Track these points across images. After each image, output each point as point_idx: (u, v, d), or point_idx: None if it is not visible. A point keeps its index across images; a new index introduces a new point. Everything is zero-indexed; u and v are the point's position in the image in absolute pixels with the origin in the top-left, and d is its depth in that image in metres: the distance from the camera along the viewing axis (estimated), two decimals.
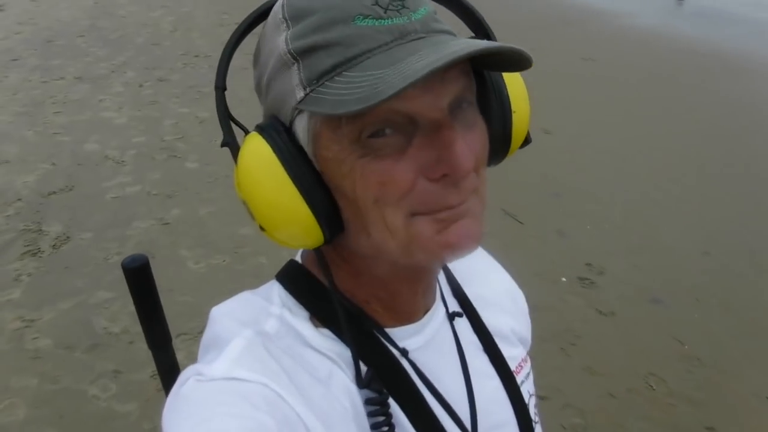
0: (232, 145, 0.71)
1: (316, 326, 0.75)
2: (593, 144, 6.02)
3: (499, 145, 0.75)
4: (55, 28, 8.83)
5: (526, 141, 0.79)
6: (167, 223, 4.35)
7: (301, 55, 0.63)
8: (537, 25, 9.75)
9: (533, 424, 0.89)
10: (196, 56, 7.79)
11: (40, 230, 4.21)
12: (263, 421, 0.61)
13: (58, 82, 6.87)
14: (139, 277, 1.03)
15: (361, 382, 0.71)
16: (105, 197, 4.66)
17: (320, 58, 0.62)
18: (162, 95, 6.56)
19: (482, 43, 0.58)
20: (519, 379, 0.90)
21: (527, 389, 0.91)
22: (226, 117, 0.71)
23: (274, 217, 0.66)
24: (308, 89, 0.63)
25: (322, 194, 0.66)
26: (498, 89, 0.74)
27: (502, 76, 0.74)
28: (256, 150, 0.66)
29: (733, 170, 5.68)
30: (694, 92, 7.43)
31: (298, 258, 0.82)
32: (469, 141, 0.65)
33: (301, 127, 0.66)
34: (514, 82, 0.75)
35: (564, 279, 4.00)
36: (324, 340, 0.74)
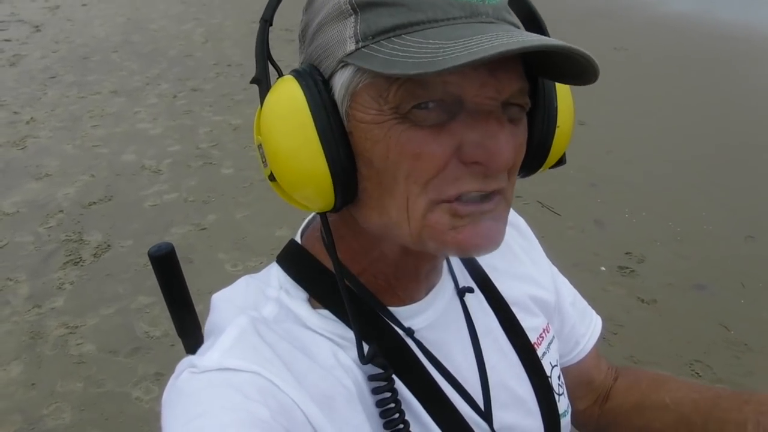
0: (262, 83, 0.68)
1: (315, 307, 0.73)
2: (628, 133, 5.92)
3: (535, 156, 0.72)
4: (90, 44, 9.00)
5: (561, 161, 0.75)
6: (204, 228, 4.39)
7: (362, 7, 0.60)
8: (567, 17, 9.64)
9: (556, 396, 0.86)
10: (228, 65, 7.87)
11: (81, 240, 4.28)
12: (256, 411, 0.60)
13: (94, 97, 6.99)
14: (166, 265, 1.04)
15: (363, 358, 0.69)
16: (143, 205, 4.72)
17: (382, 15, 0.59)
18: (196, 105, 6.64)
19: (558, 41, 0.55)
20: (540, 351, 0.87)
21: (549, 360, 0.88)
22: (263, 52, 0.68)
23: (288, 168, 0.63)
24: (361, 44, 0.60)
25: (345, 156, 0.62)
26: (549, 99, 0.70)
27: (555, 87, 0.71)
28: (288, 93, 0.63)
29: None
30: (732, 78, 7.28)
31: (297, 238, 0.80)
32: (512, 138, 0.62)
33: (341, 82, 0.62)
34: (564, 96, 0.72)
35: (603, 268, 3.94)
36: (323, 321, 0.72)
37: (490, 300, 0.86)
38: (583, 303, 1.06)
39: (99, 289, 3.78)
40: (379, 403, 0.69)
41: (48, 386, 3.06)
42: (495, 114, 0.60)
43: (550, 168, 0.76)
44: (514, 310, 0.87)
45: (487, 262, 0.89)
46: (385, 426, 0.68)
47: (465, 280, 0.85)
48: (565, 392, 0.91)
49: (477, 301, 0.84)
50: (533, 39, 0.53)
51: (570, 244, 4.17)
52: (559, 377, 0.90)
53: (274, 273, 0.77)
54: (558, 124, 0.71)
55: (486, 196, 0.63)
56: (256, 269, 0.79)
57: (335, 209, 0.66)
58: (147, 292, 3.68)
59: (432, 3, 0.58)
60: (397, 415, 0.68)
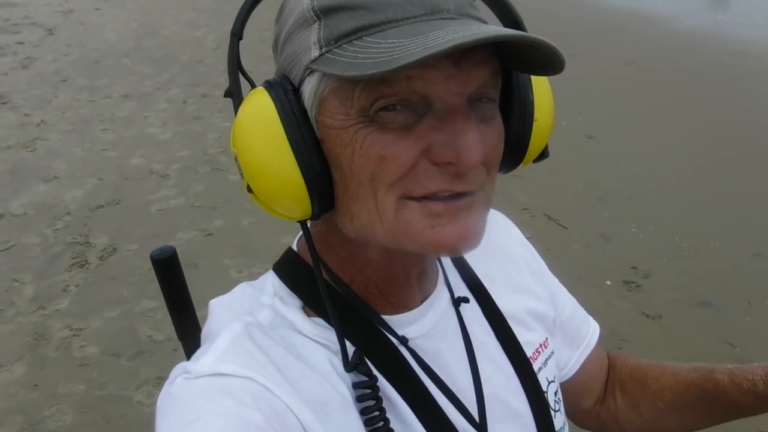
0: (235, 96, 0.68)
1: (309, 315, 0.73)
2: (637, 148, 5.90)
3: (514, 151, 0.71)
4: (102, 48, 9.06)
5: (543, 155, 0.75)
6: (210, 234, 4.40)
7: (324, 13, 0.61)
8: (577, 32, 9.65)
9: (552, 412, 0.85)
10: None
11: (88, 242, 4.29)
12: (249, 417, 0.60)
13: (105, 101, 7.03)
14: (167, 268, 1.04)
15: (347, 365, 0.69)
16: (150, 210, 4.74)
17: (343, 19, 0.60)
18: (205, 110, 6.67)
19: (514, 31, 0.55)
20: (536, 365, 0.86)
21: (546, 375, 0.87)
22: (235, 65, 0.69)
23: (264, 179, 0.63)
24: (324, 49, 0.60)
25: (318, 163, 0.63)
26: (523, 92, 0.70)
27: (530, 81, 0.70)
28: (259, 104, 0.63)
29: None
30: (743, 95, 7.26)
31: (294, 245, 0.80)
32: (482, 135, 0.62)
33: (309, 89, 0.62)
34: (541, 90, 0.71)
35: (609, 282, 3.92)
36: (317, 328, 0.72)
37: (486, 312, 0.85)
38: (581, 311, 1.06)
39: (104, 292, 3.79)
40: (363, 411, 0.68)
41: (50, 388, 3.06)
42: (462, 112, 0.60)
43: (533, 162, 0.75)
44: (511, 323, 0.86)
45: (484, 271, 0.88)
46: None
47: (461, 290, 0.85)
48: (562, 409, 0.90)
49: (472, 312, 0.84)
50: (487, 30, 0.53)
51: (576, 257, 4.16)
52: (555, 393, 0.89)
53: (270, 280, 0.77)
54: (535, 117, 0.70)
55: (459, 194, 0.63)
56: (260, 276, 0.79)
57: (314, 217, 0.67)
58: (151, 296, 3.68)
59: (392, 3, 0.59)
60: (381, 424, 0.68)
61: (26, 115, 6.59)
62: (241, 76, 0.70)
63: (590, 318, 1.07)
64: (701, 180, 5.31)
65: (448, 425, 0.73)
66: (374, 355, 0.72)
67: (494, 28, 0.55)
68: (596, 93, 6.84)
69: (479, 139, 0.60)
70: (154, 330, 3.45)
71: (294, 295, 0.74)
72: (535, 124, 0.71)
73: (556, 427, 0.85)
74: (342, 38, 0.60)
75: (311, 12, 0.62)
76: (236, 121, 0.65)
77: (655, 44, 9.29)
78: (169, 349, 3.28)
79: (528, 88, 0.70)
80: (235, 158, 0.66)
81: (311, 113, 0.63)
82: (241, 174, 0.66)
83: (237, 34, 0.69)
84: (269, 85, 0.64)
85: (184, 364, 0.66)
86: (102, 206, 4.79)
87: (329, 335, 0.71)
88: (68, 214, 4.67)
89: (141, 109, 6.78)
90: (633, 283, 3.94)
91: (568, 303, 1.03)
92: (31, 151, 5.74)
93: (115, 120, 6.47)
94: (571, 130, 5.94)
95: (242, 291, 0.77)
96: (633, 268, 4.09)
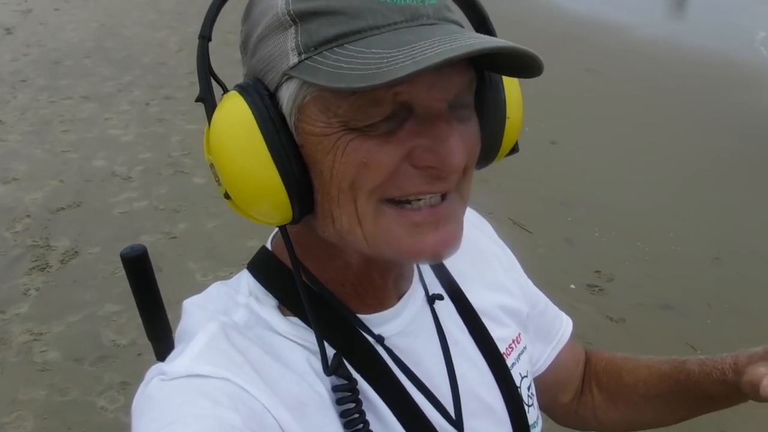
0: (208, 101, 0.66)
1: (285, 315, 0.73)
2: (600, 153, 6.00)
3: (489, 148, 0.72)
4: (63, 49, 8.89)
5: (514, 149, 0.76)
6: (174, 237, 4.35)
7: (301, 18, 0.60)
8: (540, 40, 9.72)
9: (526, 407, 0.86)
10: None
11: (48, 245, 4.21)
12: (226, 418, 0.59)
13: (65, 102, 6.90)
14: (138, 266, 1.02)
15: (327, 369, 0.68)
16: (112, 212, 4.67)
17: (322, 25, 0.59)
18: (168, 113, 6.59)
19: (499, 41, 0.55)
20: (509, 361, 0.87)
21: (519, 371, 0.88)
22: (205, 70, 0.67)
23: (243, 186, 0.63)
24: (304, 56, 0.59)
25: (298, 168, 0.62)
26: (496, 92, 0.71)
27: (502, 80, 0.71)
28: (235, 110, 0.62)
29: (742, 176, 5.64)
30: (701, 101, 7.41)
31: (268, 245, 0.80)
32: (463, 139, 0.62)
33: (288, 95, 0.61)
34: (511, 88, 0.72)
35: (573, 286, 3.97)
36: (293, 328, 0.72)
37: (460, 309, 0.86)
38: (554, 307, 1.08)
39: (65, 295, 3.72)
40: (342, 414, 0.68)
41: (10, 394, 3.00)
42: (444, 117, 0.60)
43: (505, 156, 0.77)
44: (484, 320, 0.87)
45: (458, 268, 0.88)
46: None
47: (435, 287, 0.85)
48: (535, 403, 0.91)
49: (447, 309, 0.84)
50: (477, 42, 0.54)
51: (540, 261, 4.19)
52: (529, 388, 0.90)
53: (245, 279, 0.76)
54: (507, 115, 0.72)
55: (442, 197, 0.64)
56: (226, 279, 0.79)
57: (294, 221, 0.66)
58: (115, 299, 3.62)
59: (372, 9, 0.58)
60: (361, 426, 0.68)
61: None
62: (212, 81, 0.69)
63: (563, 314, 1.09)
64: (663, 185, 5.41)
65: (425, 423, 0.74)
66: (352, 355, 0.72)
67: (482, 40, 0.55)
68: (559, 100, 6.92)
69: (461, 144, 0.61)
70: (117, 334, 3.39)
71: (269, 294, 0.74)
72: (507, 121, 0.72)
73: (530, 422, 0.86)
74: (322, 45, 0.59)
75: (287, 16, 0.60)
76: (211, 127, 0.64)
77: (615, 53, 9.44)
78: (133, 353, 3.23)
79: (500, 88, 0.71)
80: (211, 165, 0.65)
81: (289, 119, 0.62)
82: (218, 181, 0.65)
83: (206, 37, 0.67)
84: (243, 90, 0.63)
85: (159, 366, 0.66)
86: (63, 208, 4.70)
87: (306, 335, 0.71)
88: (28, 216, 4.57)
89: (102, 110, 6.67)
90: (597, 287, 4.00)
91: (540, 299, 1.04)
92: None
93: (76, 121, 6.36)
94: (535, 135, 6.00)
95: (217, 290, 0.76)
96: (596, 272, 4.15)
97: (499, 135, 0.72)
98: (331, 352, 0.70)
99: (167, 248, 4.20)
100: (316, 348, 0.70)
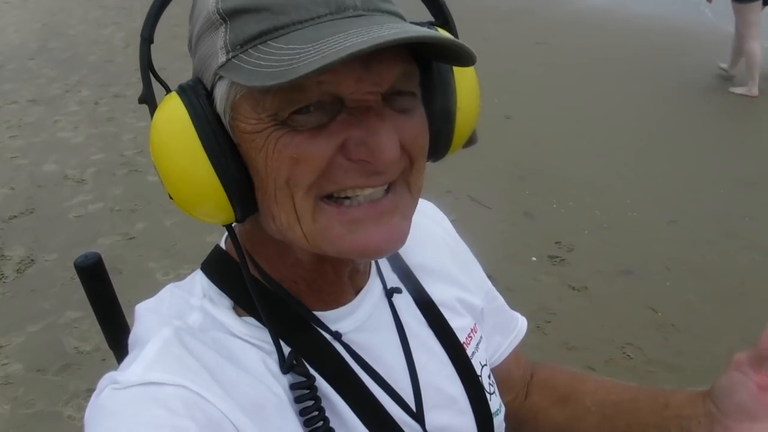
0: (149, 102, 0.66)
1: (240, 315, 0.72)
2: (553, 126, 6.05)
3: (439, 140, 0.70)
4: (5, 52, 8.67)
5: (471, 141, 0.74)
6: (132, 238, 4.29)
7: (229, 15, 0.59)
8: (490, 16, 9.78)
9: (487, 395, 0.86)
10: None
11: (3, 255, 4.12)
12: (182, 427, 0.58)
13: (11, 106, 6.74)
14: (93, 275, 1.00)
15: (283, 367, 0.68)
16: (67, 217, 4.58)
17: (248, 22, 0.58)
18: (118, 111, 6.47)
19: (418, 31, 0.54)
20: (469, 350, 0.87)
21: (479, 360, 0.88)
22: (147, 70, 0.66)
23: (183, 187, 0.62)
24: (231, 54, 0.59)
25: (235, 168, 0.61)
26: (444, 82, 0.69)
27: (451, 69, 0.69)
28: (172, 112, 0.61)
29: (694, 140, 5.74)
30: (651, 68, 7.51)
31: (222, 243, 0.78)
32: (401, 130, 0.61)
33: (221, 94, 0.61)
34: (465, 76, 0.70)
35: (534, 258, 4.01)
36: (248, 328, 0.71)
37: (418, 300, 0.85)
38: (507, 307, 1.07)
39: (24, 305, 3.64)
40: (302, 412, 0.67)
41: None
42: (375, 110, 0.59)
43: (462, 148, 0.75)
44: (442, 310, 0.86)
45: (416, 261, 0.88)
46: None
47: (393, 280, 0.85)
48: (497, 391, 0.91)
49: (405, 302, 0.84)
50: (391, 33, 0.52)
51: (501, 236, 4.23)
52: (489, 376, 0.90)
53: (198, 280, 0.75)
54: (458, 105, 0.70)
55: (386, 191, 0.63)
56: (188, 277, 0.77)
57: (238, 220, 0.66)
58: (75, 306, 3.55)
59: (296, 4, 0.57)
60: (321, 423, 0.67)
61: None
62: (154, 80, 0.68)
63: (518, 314, 1.10)
64: (616, 154, 5.48)
65: (386, 419, 0.73)
66: (309, 353, 0.71)
67: (397, 29, 0.54)
68: (511, 74, 6.96)
69: (394, 137, 0.60)
70: (80, 341, 3.34)
71: (224, 294, 0.73)
72: (458, 111, 0.70)
73: (492, 410, 0.86)
74: (247, 43, 0.58)
75: (216, 15, 0.60)
76: (152, 128, 0.63)
77: (564, 24, 9.52)
78: (98, 359, 3.18)
79: (449, 77, 0.69)
80: (155, 167, 0.64)
81: (225, 118, 0.62)
82: (162, 182, 0.64)
83: (147, 39, 0.66)
84: (182, 90, 0.62)
85: (111, 374, 0.64)
86: (15, 216, 4.60)
87: (262, 335, 0.70)
88: None
89: (50, 113, 6.53)
90: (558, 257, 4.04)
91: (497, 295, 1.04)
92: None
93: (24, 126, 6.22)
94: (489, 111, 6.00)
95: (170, 293, 0.75)
96: (557, 243, 4.20)
97: (449, 125, 0.70)
98: (287, 350, 0.70)
99: (126, 250, 4.14)
100: (273, 348, 0.69)
